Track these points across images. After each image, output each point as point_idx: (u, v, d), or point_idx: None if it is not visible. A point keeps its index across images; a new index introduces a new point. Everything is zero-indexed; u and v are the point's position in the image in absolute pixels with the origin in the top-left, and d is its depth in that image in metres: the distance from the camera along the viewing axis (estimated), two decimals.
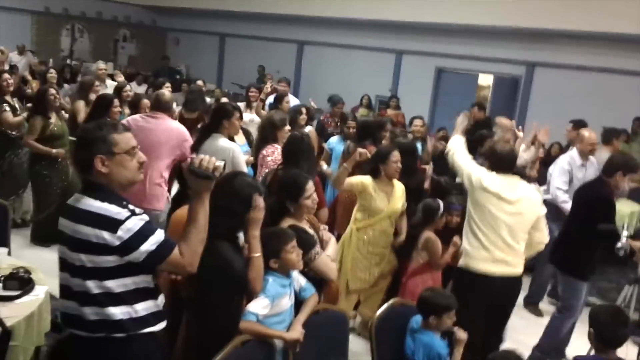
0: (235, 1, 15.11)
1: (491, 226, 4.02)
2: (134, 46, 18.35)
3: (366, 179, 4.63)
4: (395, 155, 4.64)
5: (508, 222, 4.00)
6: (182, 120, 6.49)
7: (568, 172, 5.83)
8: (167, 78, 12.00)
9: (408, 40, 13.32)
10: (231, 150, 4.70)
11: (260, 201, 2.79)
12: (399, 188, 4.75)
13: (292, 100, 8.53)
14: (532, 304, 6.03)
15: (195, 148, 4.77)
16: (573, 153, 6.00)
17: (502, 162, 4.09)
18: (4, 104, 6.18)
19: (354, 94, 13.70)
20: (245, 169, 4.82)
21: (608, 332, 2.97)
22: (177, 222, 3.03)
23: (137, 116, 5.24)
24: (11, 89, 6.50)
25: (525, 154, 5.99)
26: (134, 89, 11.05)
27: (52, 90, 6.09)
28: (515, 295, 4.20)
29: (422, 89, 13.21)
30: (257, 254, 2.79)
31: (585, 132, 6.04)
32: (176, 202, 3.52)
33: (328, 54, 14.99)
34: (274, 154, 4.97)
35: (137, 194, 4.35)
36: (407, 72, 13.76)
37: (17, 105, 6.45)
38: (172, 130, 4.95)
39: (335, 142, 6.58)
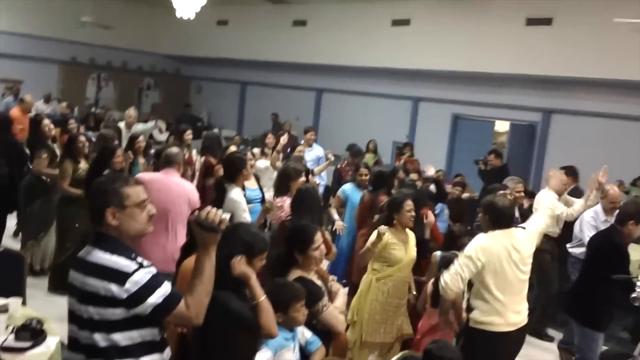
0: (256, 50, 15.47)
1: (507, 290, 3.96)
2: (157, 94, 18.74)
3: (387, 231, 4.61)
4: (409, 204, 4.65)
5: (521, 277, 4.00)
6: (208, 164, 6.72)
7: (594, 227, 5.81)
8: (188, 125, 12.28)
9: (424, 87, 13.48)
10: (237, 203, 4.88)
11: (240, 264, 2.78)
12: (412, 236, 4.76)
13: (315, 148, 8.69)
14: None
15: (218, 205, 4.90)
16: (597, 208, 5.98)
17: (503, 217, 4.04)
18: (44, 149, 6.52)
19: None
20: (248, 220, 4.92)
21: None
22: (185, 272, 3.05)
23: (147, 175, 5.40)
24: (53, 133, 6.81)
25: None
26: (156, 136, 11.32)
27: (82, 138, 6.39)
28: (525, 336, 4.18)
29: (439, 136, 13.30)
30: (262, 297, 2.77)
31: (610, 189, 6.04)
32: (185, 252, 3.58)
33: (346, 101, 15.18)
34: (283, 206, 5.05)
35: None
36: (424, 119, 13.87)
37: (57, 151, 6.78)
38: (183, 189, 5.03)
39: (349, 190, 6.59)
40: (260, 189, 6.07)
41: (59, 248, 6.25)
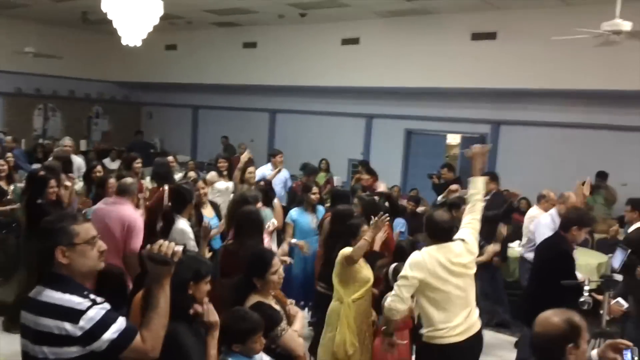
0: (207, 74, 15.42)
1: (448, 303, 4.00)
2: (107, 122, 18.45)
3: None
4: (366, 230, 4.70)
5: (458, 291, 4.01)
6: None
7: (552, 230, 5.92)
8: (141, 152, 12.14)
9: (377, 104, 13.65)
10: (185, 233, 4.90)
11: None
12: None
13: (265, 169, 8.72)
14: None
15: (164, 234, 4.92)
16: (553, 212, 6.26)
17: (440, 231, 4.09)
18: None
19: (328, 159, 13.94)
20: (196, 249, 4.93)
21: None
22: (138, 305, 3.04)
23: (101, 203, 5.41)
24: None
25: None
26: (108, 165, 11.17)
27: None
28: (481, 343, 4.21)
29: (394, 151, 13.47)
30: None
31: (571, 195, 6.34)
32: (136, 285, 3.55)
33: (300, 121, 15.24)
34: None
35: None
36: (378, 135, 14.02)
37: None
38: (122, 218, 5.08)
39: (296, 214, 6.47)
40: (218, 216, 6.06)
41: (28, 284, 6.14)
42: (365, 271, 4.68)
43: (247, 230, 4.45)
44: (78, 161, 9.77)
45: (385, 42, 12.46)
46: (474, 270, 4.13)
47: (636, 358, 2.74)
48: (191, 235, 4.98)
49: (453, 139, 13.88)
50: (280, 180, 8.71)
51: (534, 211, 7.28)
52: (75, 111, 17.48)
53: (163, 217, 5.24)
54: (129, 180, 5.43)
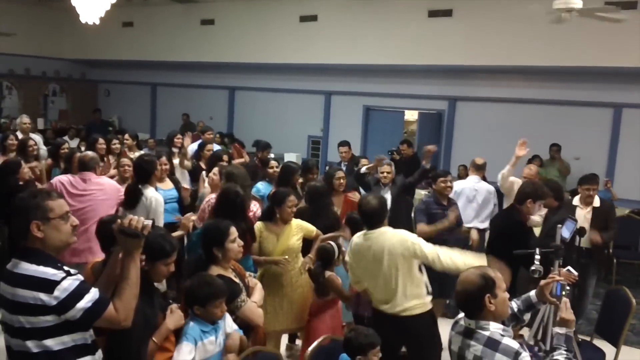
0: (165, 51, 15.25)
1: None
2: (64, 100, 18.12)
3: (256, 225, 4.77)
4: (292, 200, 4.73)
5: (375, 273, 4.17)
6: None
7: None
8: (99, 130, 12.00)
9: (335, 81, 13.74)
10: (153, 200, 5.13)
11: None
12: (293, 226, 4.80)
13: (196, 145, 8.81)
14: None
15: (129, 205, 5.02)
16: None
17: (373, 217, 4.22)
18: None
19: (288, 136, 14.03)
20: (162, 220, 5.18)
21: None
22: (90, 271, 3.26)
23: (64, 179, 5.48)
24: None
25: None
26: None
27: None
28: (412, 335, 4.23)
29: (353, 128, 13.57)
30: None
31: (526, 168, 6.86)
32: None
33: (259, 99, 15.23)
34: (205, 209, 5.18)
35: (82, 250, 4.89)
36: (337, 112, 14.13)
37: None
38: (105, 186, 5.45)
39: (263, 188, 6.50)
40: (177, 189, 6.15)
41: None
42: (269, 245, 4.70)
43: (225, 209, 4.47)
44: (36, 139, 9.62)
45: (343, 19, 12.51)
46: None
47: (564, 293, 3.00)
48: (162, 201, 5.26)
49: (411, 116, 14.06)
50: None
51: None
52: (31, 89, 17.12)
53: (127, 190, 5.35)
54: (89, 154, 5.69)
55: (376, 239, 4.15)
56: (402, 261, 4.07)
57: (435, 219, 5.73)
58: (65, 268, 2.44)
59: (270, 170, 6.65)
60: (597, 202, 6.24)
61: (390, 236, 4.13)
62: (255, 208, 5.26)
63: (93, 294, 2.41)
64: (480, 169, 7.28)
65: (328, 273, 4.60)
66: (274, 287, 4.67)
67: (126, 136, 8.59)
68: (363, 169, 7.01)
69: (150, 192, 5.25)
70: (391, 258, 4.06)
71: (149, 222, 2.51)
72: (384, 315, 4.18)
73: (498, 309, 2.72)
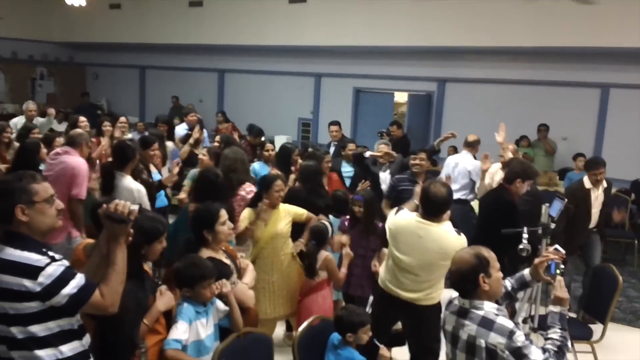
0: (153, 33, 15.14)
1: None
2: (52, 84, 17.96)
3: (244, 215, 4.72)
4: (279, 184, 4.70)
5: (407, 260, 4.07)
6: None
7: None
8: (88, 114, 11.91)
9: (325, 63, 13.68)
10: (136, 191, 4.97)
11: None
12: (281, 210, 4.76)
13: (180, 128, 8.80)
14: None
15: (105, 189, 4.98)
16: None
17: (436, 206, 3.98)
18: None
19: (278, 119, 14.02)
20: (148, 206, 5.08)
21: None
22: (81, 252, 3.24)
23: (48, 158, 5.45)
24: None
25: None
26: (55, 127, 10.97)
27: None
28: (415, 319, 4.21)
29: (343, 110, 13.55)
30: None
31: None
32: None
33: (249, 81, 15.16)
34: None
35: None
36: (327, 94, 14.10)
37: None
38: (66, 166, 5.16)
39: (259, 167, 6.62)
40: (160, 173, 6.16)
41: None
42: (257, 231, 4.65)
43: (205, 191, 4.49)
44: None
45: (333, 1, 12.44)
46: None
47: (558, 271, 3.03)
48: (144, 191, 5.07)
49: (401, 97, 14.07)
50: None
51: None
52: (18, 73, 16.96)
53: (102, 170, 5.29)
54: (77, 131, 5.55)
55: (432, 233, 3.93)
56: (448, 264, 4.06)
57: (403, 194, 5.68)
58: (50, 253, 2.39)
59: (266, 153, 6.77)
60: (605, 182, 6.45)
61: (452, 238, 3.91)
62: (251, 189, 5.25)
63: (78, 279, 2.37)
64: (469, 146, 7.52)
65: (324, 253, 4.60)
66: (265, 272, 4.66)
67: (122, 119, 8.55)
68: (367, 154, 7.03)
69: (129, 183, 5.04)
70: (441, 258, 3.83)
71: (135, 207, 2.48)
72: (395, 299, 4.13)
73: (492, 289, 2.76)
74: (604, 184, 6.43)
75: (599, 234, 6.54)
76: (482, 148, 7.42)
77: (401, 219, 4.13)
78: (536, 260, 3.18)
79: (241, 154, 5.45)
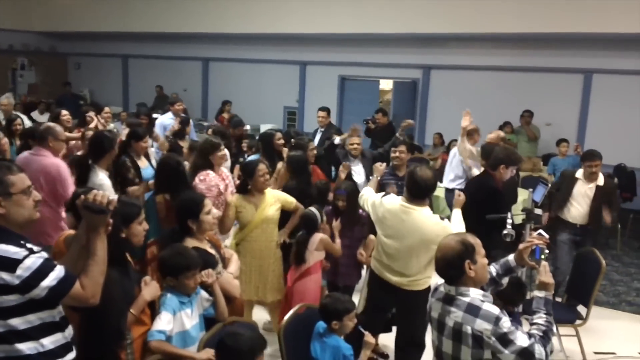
0: (136, 22, 14.96)
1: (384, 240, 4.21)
2: (33, 74, 17.75)
3: (232, 200, 4.73)
4: (262, 169, 4.68)
5: (392, 244, 4.14)
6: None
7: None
8: (70, 104, 11.82)
9: (310, 51, 13.65)
10: (103, 187, 4.74)
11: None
12: (268, 196, 4.76)
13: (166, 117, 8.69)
14: None
15: (80, 181, 4.89)
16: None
17: (421, 188, 4.03)
18: None
19: (263, 107, 13.96)
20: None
21: None
22: (62, 243, 3.20)
23: (26, 153, 5.26)
24: None
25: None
26: (37, 118, 10.87)
27: None
28: (403, 304, 4.28)
29: (328, 98, 13.48)
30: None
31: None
32: None
33: (234, 70, 15.09)
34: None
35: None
36: (312, 82, 14.08)
37: None
38: (43, 168, 4.95)
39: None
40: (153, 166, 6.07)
41: None
42: (246, 215, 4.67)
43: (164, 177, 4.49)
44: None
45: None
46: None
47: (543, 256, 3.05)
48: (110, 188, 4.89)
49: (386, 85, 14.06)
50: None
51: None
52: None
53: (78, 163, 5.14)
54: (44, 125, 5.30)
55: (413, 216, 4.00)
56: (433, 248, 4.06)
57: (384, 189, 5.71)
58: (29, 245, 2.34)
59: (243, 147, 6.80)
60: (601, 180, 6.14)
61: (432, 223, 3.97)
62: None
63: (58, 271, 2.32)
64: (468, 135, 7.43)
65: (319, 235, 4.62)
66: (249, 257, 4.68)
67: (106, 109, 8.46)
68: (337, 140, 7.02)
69: (99, 177, 4.91)
70: (423, 243, 3.95)
71: (114, 197, 2.47)
72: (385, 283, 4.19)
73: (478, 275, 2.75)
74: (600, 181, 6.13)
75: (592, 237, 6.28)
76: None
77: (388, 203, 4.19)
78: (520, 246, 3.19)
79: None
